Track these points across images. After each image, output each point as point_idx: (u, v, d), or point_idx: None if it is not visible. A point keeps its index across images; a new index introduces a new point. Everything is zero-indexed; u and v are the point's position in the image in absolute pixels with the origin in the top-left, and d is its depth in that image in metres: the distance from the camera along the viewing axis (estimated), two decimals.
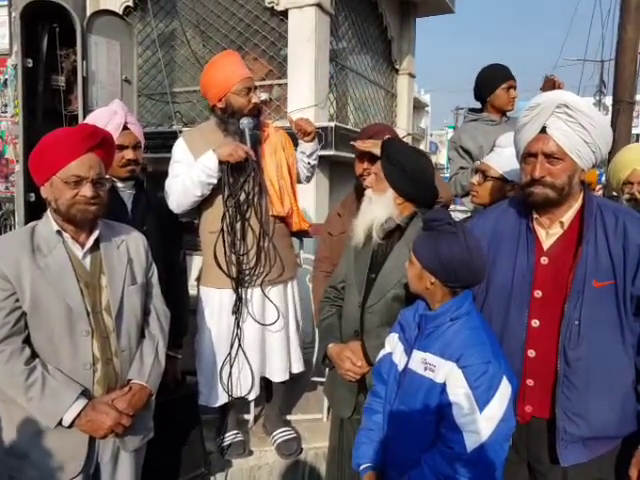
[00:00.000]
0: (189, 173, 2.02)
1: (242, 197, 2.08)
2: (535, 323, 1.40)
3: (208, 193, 2.07)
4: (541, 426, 1.42)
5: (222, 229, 2.08)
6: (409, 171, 1.55)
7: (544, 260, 1.41)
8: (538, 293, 1.40)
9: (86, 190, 1.35)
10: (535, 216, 1.43)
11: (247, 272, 2.12)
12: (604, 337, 1.34)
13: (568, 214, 1.40)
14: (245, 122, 2.05)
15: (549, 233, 1.42)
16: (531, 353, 1.40)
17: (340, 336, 1.71)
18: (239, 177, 2.05)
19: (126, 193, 1.93)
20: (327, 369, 1.85)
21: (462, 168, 2.54)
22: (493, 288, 1.44)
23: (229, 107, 2.09)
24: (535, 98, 1.37)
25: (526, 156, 1.38)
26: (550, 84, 2.34)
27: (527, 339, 1.40)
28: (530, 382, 1.41)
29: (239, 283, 2.13)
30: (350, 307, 1.68)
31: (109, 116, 1.84)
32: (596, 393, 1.35)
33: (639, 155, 2.21)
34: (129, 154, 1.88)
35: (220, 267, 2.11)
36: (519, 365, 1.39)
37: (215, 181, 2.03)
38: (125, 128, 1.87)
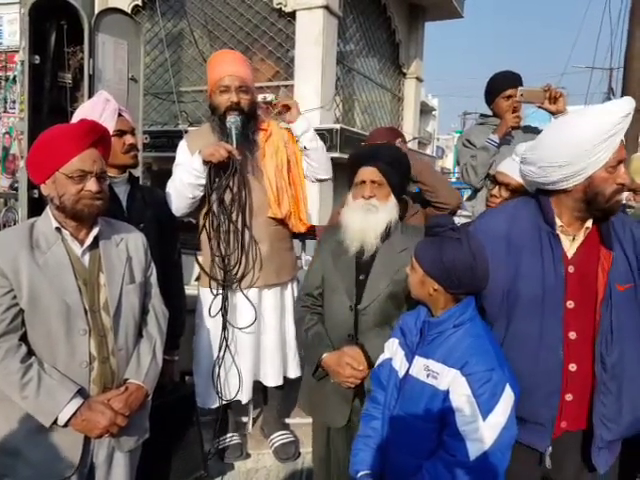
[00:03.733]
0: (181, 175, 2.02)
1: (228, 197, 2.05)
2: (572, 335, 1.35)
3: (201, 194, 2.05)
4: (571, 438, 1.39)
5: (204, 225, 2.06)
6: (400, 166, 1.66)
7: (571, 269, 1.36)
8: (570, 304, 1.35)
9: (91, 184, 1.35)
10: (560, 224, 1.38)
11: (233, 273, 2.09)
12: (633, 339, 1.34)
13: (590, 220, 1.38)
14: (232, 121, 2.02)
15: (572, 241, 1.39)
16: (572, 367, 1.34)
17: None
18: (224, 176, 2.02)
19: (121, 189, 1.89)
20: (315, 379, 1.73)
21: (473, 156, 2.51)
22: (522, 303, 1.37)
23: (211, 105, 2.11)
24: (626, 104, 1.28)
25: (615, 165, 1.31)
26: (539, 96, 2.17)
27: (566, 353, 1.35)
28: (569, 397, 1.36)
29: (224, 285, 2.10)
30: (339, 312, 1.66)
31: (103, 103, 1.82)
32: (627, 396, 1.35)
33: (638, 165, 2.21)
34: (130, 139, 1.86)
35: (202, 267, 2.10)
36: (558, 382, 1.34)
37: (204, 181, 2.01)
38: (119, 115, 1.85)
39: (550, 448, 1.37)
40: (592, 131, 1.25)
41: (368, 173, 1.66)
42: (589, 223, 1.37)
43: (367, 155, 1.70)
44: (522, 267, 1.36)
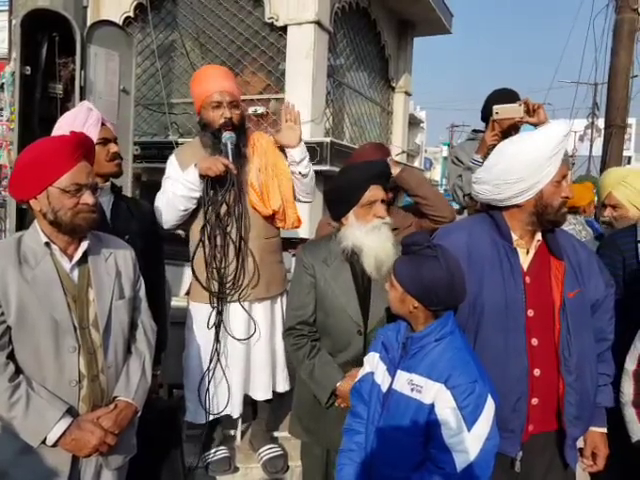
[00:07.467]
0: (173, 188, 2.03)
1: (223, 211, 2.07)
2: (534, 342, 1.42)
3: (193, 207, 2.06)
4: (539, 440, 1.45)
5: (201, 240, 2.07)
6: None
7: (528, 280, 1.45)
8: (531, 312, 1.43)
9: (87, 197, 1.34)
10: (515, 238, 1.46)
11: (228, 286, 2.10)
12: (587, 339, 1.45)
13: (539, 232, 1.48)
14: (227, 136, 2.05)
15: (526, 254, 1.48)
16: (537, 372, 1.42)
17: None
18: (220, 190, 2.05)
19: (104, 199, 1.84)
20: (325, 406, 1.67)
21: (460, 176, 2.55)
22: (488, 315, 1.43)
23: (202, 121, 2.13)
24: (566, 126, 1.43)
25: (560, 179, 1.43)
26: (516, 111, 2.18)
27: (530, 359, 1.41)
28: (535, 401, 1.42)
29: (220, 297, 2.10)
30: (345, 336, 1.65)
31: (86, 112, 1.79)
32: (585, 392, 1.44)
33: (615, 179, 2.25)
34: (114, 147, 1.84)
35: (198, 280, 2.10)
36: (524, 387, 1.40)
37: (197, 195, 2.03)
38: (102, 124, 1.83)
39: (520, 453, 1.42)
40: (543, 147, 1.38)
41: (380, 192, 1.64)
42: (539, 236, 1.47)
43: (376, 174, 1.67)
44: (485, 280, 1.43)
